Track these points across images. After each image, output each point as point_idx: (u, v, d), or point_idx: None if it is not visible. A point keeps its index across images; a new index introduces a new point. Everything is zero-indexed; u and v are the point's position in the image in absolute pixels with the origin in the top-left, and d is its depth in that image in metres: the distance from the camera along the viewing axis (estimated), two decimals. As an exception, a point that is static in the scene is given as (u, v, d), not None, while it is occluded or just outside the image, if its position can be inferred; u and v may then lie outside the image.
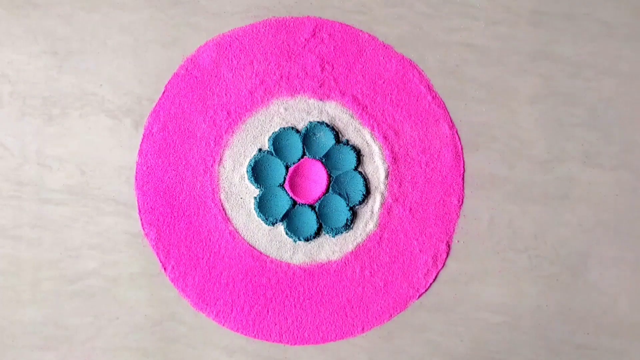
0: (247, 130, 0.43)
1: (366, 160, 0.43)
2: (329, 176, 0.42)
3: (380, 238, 0.42)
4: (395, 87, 0.43)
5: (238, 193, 0.42)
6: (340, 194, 0.42)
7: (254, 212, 0.42)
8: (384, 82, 0.43)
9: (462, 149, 0.42)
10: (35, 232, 0.42)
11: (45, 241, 0.42)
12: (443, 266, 0.42)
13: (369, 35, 0.43)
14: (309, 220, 0.42)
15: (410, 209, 0.42)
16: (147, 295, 0.42)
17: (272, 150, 0.42)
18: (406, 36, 0.43)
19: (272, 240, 0.42)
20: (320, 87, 0.43)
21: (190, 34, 0.43)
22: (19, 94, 0.42)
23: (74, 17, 0.43)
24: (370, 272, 0.42)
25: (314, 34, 0.43)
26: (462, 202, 0.42)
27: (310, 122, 0.42)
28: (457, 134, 0.42)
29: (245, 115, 0.43)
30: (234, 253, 0.42)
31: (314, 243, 0.42)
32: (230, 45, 0.43)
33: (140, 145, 0.42)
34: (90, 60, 0.43)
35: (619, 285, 0.42)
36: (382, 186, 0.42)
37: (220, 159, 0.42)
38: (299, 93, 0.43)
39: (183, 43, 0.43)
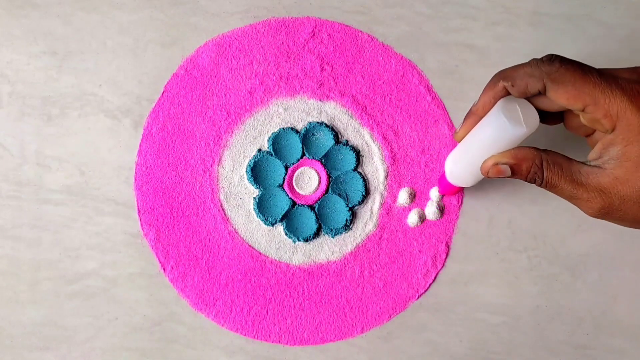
0: (247, 131, 0.43)
1: (365, 160, 0.43)
2: (329, 177, 0.42)
3: (379, 238, 0.42)
4: (394, 88, 0.43)
5: (237, 193, 0.42)
6: (339, 195, 0.42)
7: (253, 212, 0.42)
8: (383, 83, 0.43)
9: (461, 149, 0.42)
10: (34, 232, 0.42)
11: (45, 241, 0.42)
12: (442, 266, 0.42)
13: (369, 36, 0.43)
14: (309, 221, 0.42)
15: (410, 210, 0.42)
16: (146, 296, 0.42)
17: (272, 150, 0.42)
18: (406, 36, 0.43)
19: (272, 241, 0.42)
20: (319, 87, 0.43)
21: (190, 34, 0.43)
22: (18, 94, 0.42)
23: (73, 18, 0.43)
24: (370, 273, 0.42)
25: (314, 34, 0.43)
26: (462, 202, 0.42)
27: (310, 123, 0.42)
28: (457, 134, 0.42)
29: (244, 116, 0.43)
30: (233, 253, 0.42)
31: (314, 243, 0.42)
32: (229, 46, 0.43)
33: (140, 145, 0.42)
34: (90, 61, 0.43)
35: (619, 285, 0.42)
36: (381, 186, 0.42)
37: (220, 159, 0.42)
38: (298, 93, 0.43)
39: (182, 43, 0.43)
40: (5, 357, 0.41)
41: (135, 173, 0.42)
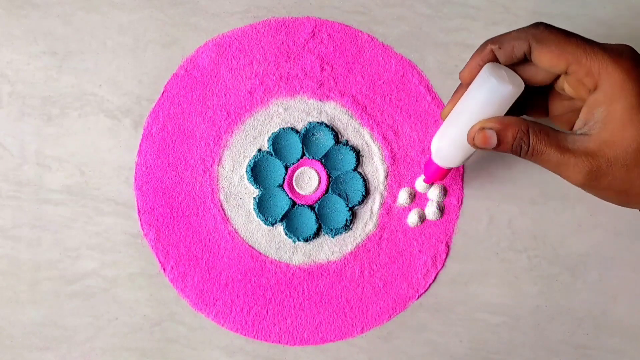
0: (247, 131, 0.43)
1: (365, 160, 0.43)
2: (329, 177, 0.42)
3: (379, 238, 0.42)
4: (394, 88, 0.43)
5: (237, 193, 0.42)
6: (339, 195, 0.42)
7: (253, 212, 0.42)
8: (383, 83, 0.43)
9: (461, 149, 0.42)
10: (35, 232, 0.42)
11: (45, 241, 0.42)
12: (442, 266, 0.42)
13: (369, 36, 0.43)
14: (309, 221, 0.42)
15: (410, 210, 0.42)
16: (146, 296, 0.42)
17: (272, 150, 0.42)
18: (406, 36, 0.43)
19: (272, 241, 0.42)
20: (319, 87, 0.43)
21: (190, 34, 0.43)
22: (18, 94, 0.42)
23: (73, 18, 0.43)
24: (370, 273, 0.42)
25: (314, 34, 0.43)
26: (462, 202, 0.42)
27: (310, 123, 0.42)
28: (457, 134, 0.42)
29: (244, 116, 0.43)
30: (233, 253, 0.42)
31: (314, 243, 0.42)
32: (229, 46, 0.43)
33: (140, 145, 0.42)
34: (90, 61, 0.43)
35: (619, 286, 0.42)
36: (381, 186, 0.42)
37: (220, 160, 0.42)
38: (298, 93, 0.43)
39: (182, 43, 0.43)
40: (5, 357, 0.41)
41: (135, 173, 0.42)
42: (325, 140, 0.42)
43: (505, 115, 0.32)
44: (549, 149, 0.31)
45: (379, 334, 0.42)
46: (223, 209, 0.42)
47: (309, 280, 0.42)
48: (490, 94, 0.32)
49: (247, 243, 0.42)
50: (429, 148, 0.42)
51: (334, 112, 0.43)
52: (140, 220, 0.42)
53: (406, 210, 0.42)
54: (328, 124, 0.42)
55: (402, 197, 0.42)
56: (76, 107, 0.42)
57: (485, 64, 0.33)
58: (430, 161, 0.38)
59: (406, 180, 0.42)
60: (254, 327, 0.42)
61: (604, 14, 0.43)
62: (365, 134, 0.43)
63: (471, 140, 0.33)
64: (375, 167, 0.42)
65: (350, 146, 0.42)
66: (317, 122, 0.42)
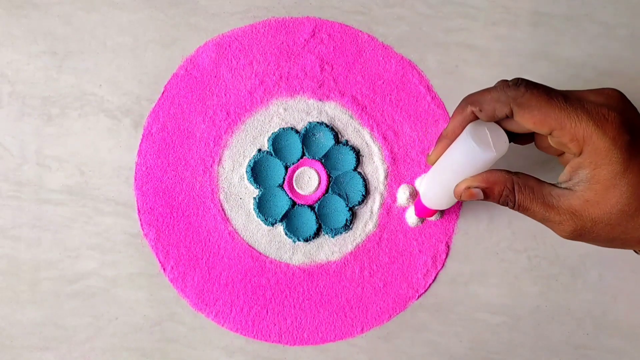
0: (247, 131, 0.43)
1: (365, 160, 0.43)
2: (329, 177, 0.42)
3: (379, 238, 0.42)
4: (394, 88, 0.43)
5: (237, 193, 0.42)
6: (339, 195, 0.42)
7: (253, 212, 0.42)
8: (383, 83, 0.43)
9: (461, 149, 0.42)
10: (35, 232, 0.42)
11: (45, 241, 0.42)
12: (442, 266, 0.42)
13: (369, 36, 0.43)
14: (309, 221, 0.42)
15: (410, 209, 0.42)
16: (146, 296, 0.42)
17: (272, 150, 0.42)
18: (406, 36, 0.43)
19: (272, 241, 0.42)
20: (319, 87, 0.43)
21: (190, 34, 0.43)
22: (18, 94, 0.42)
23: (73, 18, 0.43)
24: (370, 273, 0.42)
25: (314, 34, 0.43)
26: (462, 202, 0.42)
27: (310, 123, 0.42)
28: (457, 134, 0.42)
29: (244, 116, 0.43)
30: (233, 253, 0.42)
31: (314, 243, 0.42)
32: (229, 46, 0.43)
33: (140, 145, 0.42)
34: (90, 61, 0.43)
35: (619, 286, 0.42)
36: (381, 186, 0.42)
37: (220, 159, 0.42)
38: (298, 93, 0.43)
39: (182, 43, 0.43)
40: (5, 357, 0.41)
41: (135, 173, 0.42)
42: (325, 140, 0.42)
43: (491, 170, 0.33)
44: (534, 205, 0.31)
45: (379, 334, 0.42)
46: (223, 209, 0.42)
47: (309, 280, 0.42)
48: (472, 158, 0.32)
49: (247, 243, 0.42)
50: (429, 148, 0.42)
51: (334, 112, 0.43)
52: (140, 220, 0.42)
53: (406, 210, 0.42)
54: (328, 124, 0.42)
55: (402, 195, 0.42)
56: (76, 107, 0.42)
57: (467, 123, 0.33)
58: (419, 200, 0.39)
59: (406, 181, 0.42)
60: (254, 327, 0.42)
61: (604, 14, 0.43)
62: (365, 134, 0.43)
63: (458, 196, 0.34)
64: (375, 167, 0.42)
65: (350, 146, 0.42)
66: (317, 122, 0.42)
